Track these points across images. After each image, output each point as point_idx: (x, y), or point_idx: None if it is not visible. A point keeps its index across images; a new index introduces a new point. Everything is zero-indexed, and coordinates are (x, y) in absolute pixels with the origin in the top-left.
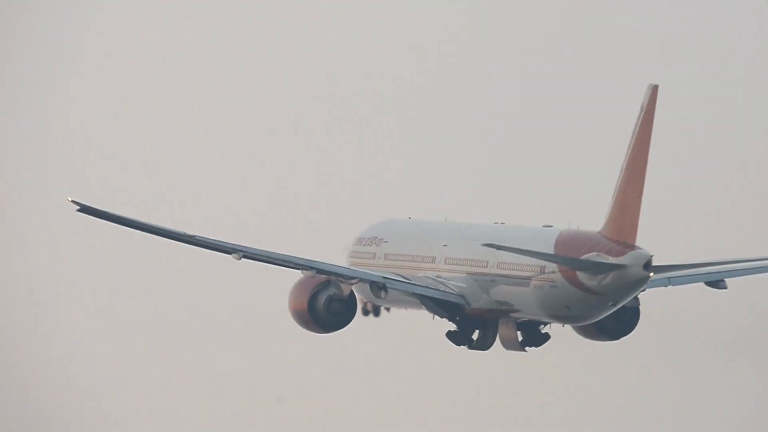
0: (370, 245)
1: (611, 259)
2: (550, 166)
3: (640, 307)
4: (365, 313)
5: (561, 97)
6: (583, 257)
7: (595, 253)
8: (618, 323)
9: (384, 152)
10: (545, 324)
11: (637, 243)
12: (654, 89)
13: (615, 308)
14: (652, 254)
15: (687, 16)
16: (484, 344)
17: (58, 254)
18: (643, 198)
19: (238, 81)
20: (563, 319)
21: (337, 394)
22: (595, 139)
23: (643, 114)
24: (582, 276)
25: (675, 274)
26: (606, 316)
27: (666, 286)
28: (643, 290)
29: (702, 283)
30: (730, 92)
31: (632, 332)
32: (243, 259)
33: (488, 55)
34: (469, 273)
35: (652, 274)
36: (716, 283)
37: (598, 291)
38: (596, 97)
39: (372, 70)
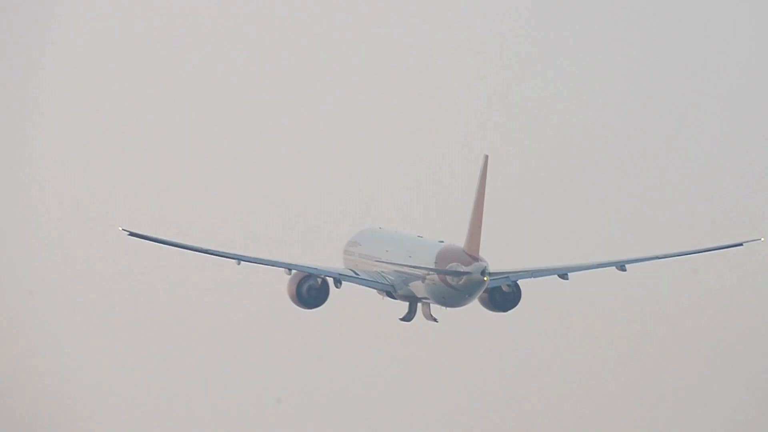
0: (353, 246)
1: (463, 268)
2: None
3: (522, 291)
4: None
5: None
6: (448, 266)
7: (455, 264)
8: (507, 301)
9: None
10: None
11: (483, 256)
12: (486, 157)
13: (472, 299)
14: (487, 265)
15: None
16: (409, 317)
17: (58, 258)
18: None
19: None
20: (445, 304)
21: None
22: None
23: (480, 177)
24: (448, 278)
25: (498, 280)
26: (498, 296)
27: (531, 278)
28: (512, 284)
29: (556, 276)
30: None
31: (516, 307)
32: (242, 263)
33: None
34: (395, 271)
35: (486, 278)
36: (563, 275)
37: (458, 288)
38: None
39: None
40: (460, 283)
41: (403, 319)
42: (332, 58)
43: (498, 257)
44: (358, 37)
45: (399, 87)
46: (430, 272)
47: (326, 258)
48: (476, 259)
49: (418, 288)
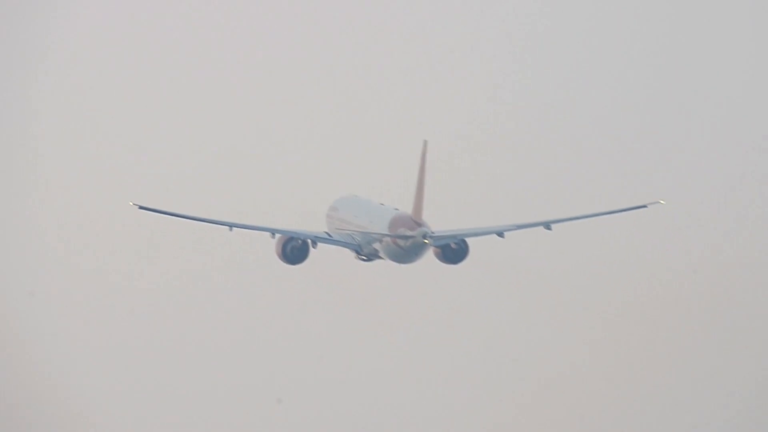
0: (333, 211)
1: (409, 233)
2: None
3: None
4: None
5: None
6: (398, 230)
7: (403, 229)
8: (457, 255)
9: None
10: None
11: (426, 221)
12: (425, 142)
13: (418, 258)
14: (427, 230)
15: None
16: (366, 259)
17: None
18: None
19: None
20: (398, 261)
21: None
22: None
23: (421, 158)
24: (398, 241)
25: (446, 239)
26: (449, 252)
27: (474, 236)
28: (459, 242)
29: (495, 234)
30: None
31: (464, 260)
32: (234, 229)
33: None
34: (361, 233)
35: (427, 241)
36: (501, 234)
37: (406, 249)
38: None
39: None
40: (407, 245)
41: (359, 258)
42: (314, 53)
43: (445, 220)
44: (333, 35)
45: (380, 83)
46: (385, 236)
47: (314, 221)
48: (420, 225)
49: (378, 248)
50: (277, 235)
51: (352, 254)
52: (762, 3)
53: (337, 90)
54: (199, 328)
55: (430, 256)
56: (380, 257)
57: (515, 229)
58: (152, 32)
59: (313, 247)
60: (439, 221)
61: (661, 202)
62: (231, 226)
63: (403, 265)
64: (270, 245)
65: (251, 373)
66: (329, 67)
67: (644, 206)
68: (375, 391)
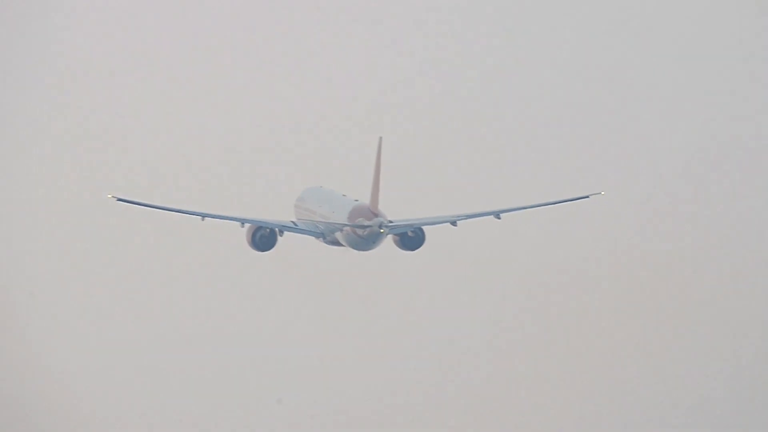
0: (300, 201)
1: (366, 222)
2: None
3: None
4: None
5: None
6: (356, 220)
7: (361, 219)
8: (414, 242)
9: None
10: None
11: (382, 212)
12: (380, 139)
13: (376, 246)
14: (383, 220)
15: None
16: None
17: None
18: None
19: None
20: (357, 249)
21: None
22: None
23: (377, 156)
24: (356, 230)
25: (404, 228)
26: (406, 239)
27: (429, 225)
28: (416, 230)
29: (448, 223)
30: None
31: (421, 247)
32: (206, 219)
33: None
34: (324, 222)
35: (383, 230)
36: (453, 223)
37: (364, 237)
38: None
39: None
40: (365, 234)
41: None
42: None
43: (402, 209)
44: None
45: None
46: (344, 225)
47: (282, 211)
48: (377, 215)
49: (339, 236)
50: (247, 225)
51: (318, 240)
52: None
53: (308, 93)
54: (173, 312)
55: (389, 244)
56: (342, 245)
57: (467, 218)
58: (122, 27)
59: (280, 235)
60: (396, 211)
61: (602, 193)
62: (203, 216)
63: (363, 252)
64: (240, 234)
65: (223, 354)
66: (299, 71)
67: (586, 197)
68: (336, 371)
